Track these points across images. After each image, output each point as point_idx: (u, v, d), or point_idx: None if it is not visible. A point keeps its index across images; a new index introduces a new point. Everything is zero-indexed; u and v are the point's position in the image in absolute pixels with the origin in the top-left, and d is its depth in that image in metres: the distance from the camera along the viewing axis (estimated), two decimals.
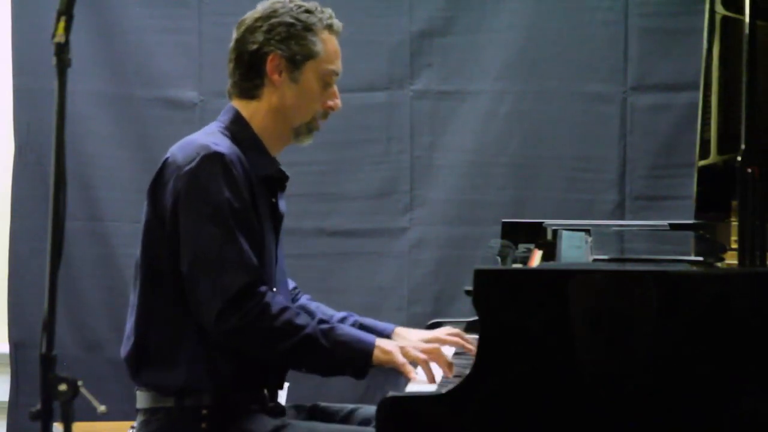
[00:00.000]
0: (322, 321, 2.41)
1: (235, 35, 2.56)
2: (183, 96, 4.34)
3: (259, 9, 2.55)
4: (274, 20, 2.51)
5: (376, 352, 2.39)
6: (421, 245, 4.29)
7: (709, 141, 2.85)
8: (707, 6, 2.82)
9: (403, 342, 2.49)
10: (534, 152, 4.24)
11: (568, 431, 2.11)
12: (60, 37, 1.77)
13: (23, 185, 4.33)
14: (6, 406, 4.33)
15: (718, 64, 2.80)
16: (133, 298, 2.49)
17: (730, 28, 2.76)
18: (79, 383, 1.76)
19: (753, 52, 2.16)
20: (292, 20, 2.50)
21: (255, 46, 2.51)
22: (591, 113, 4.22)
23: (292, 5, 2.53)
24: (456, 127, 4.28)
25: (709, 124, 2.84)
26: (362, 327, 2.63)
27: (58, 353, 1.77)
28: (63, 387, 1.75)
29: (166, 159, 2.46)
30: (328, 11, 2.56)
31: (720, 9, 2.78)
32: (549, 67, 4.23)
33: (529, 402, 2.10)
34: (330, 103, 2.56)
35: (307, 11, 2.53)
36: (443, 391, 2.16)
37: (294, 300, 2.78)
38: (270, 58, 2.50)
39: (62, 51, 1.77)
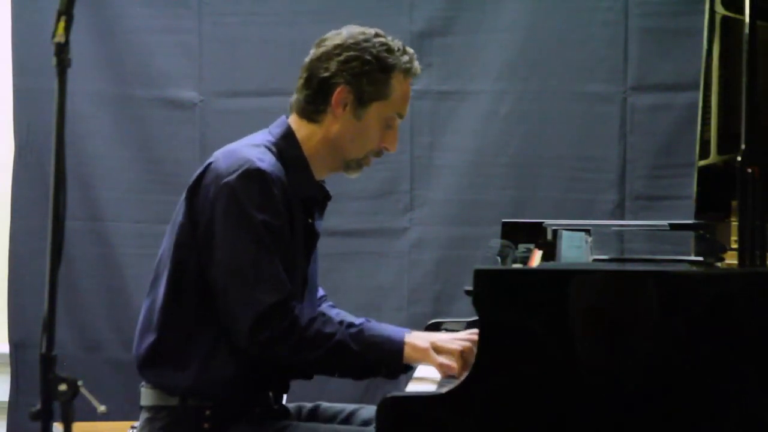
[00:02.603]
0: (350, 325, 2.39)
1: (312, 52, 2.51)
2: (183, 96, 4.34)
3: (344, 34, 2.49)
4: (352, 53, 2.45)
5: (407, 350, 2.38)
6: (421, 245, 4.29)
7: (709, 141, 2.85)
8: (707, 6, 2.81)
9: (435, 336, 2.45)
10: (534, 152, 4.24)
11: (569, 431, 2.11)
12: (60, 37, 1.77)
13: (23, 185, 4.33)
14: (6, 406, 4.34)
15: (718, 64, 2.79)
16: (150, 297, 2.48)
17: (730, 28, 2.76)
18: (79, 383, 1.76)
19: (753, 52, 2.16)
20: (370, 58, 2.45)
21: (326, 74, 2.46)
22: (591, 113, 4.22)
23: (375, 41, 2.47)
24: (456, 127, 4.28)
25: (709, 124, 2.84)
26: None
27: (58, 353, 1.77)
28: (63, 387, 1.75)
29: (209, 164, 2.43)
30: (410, 53, 2.51)
31: (720, 9, 2.77)
32: (549, 67, 4.23)
33: (529, 402, 2.10)
34: (386, 144, 2.54)
35: (389, 50, 2.47)
36: (443, 391, 2.15)
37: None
38: (338, 90, 2.46)
39: (62, 51, 1.77)
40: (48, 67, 1.85)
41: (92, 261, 4.32)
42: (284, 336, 2.32)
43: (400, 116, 2.54)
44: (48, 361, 1.76)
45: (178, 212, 2.46)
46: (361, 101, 2.47)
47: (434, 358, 2.38)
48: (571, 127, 4.24)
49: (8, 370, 4.34)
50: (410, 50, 2.52)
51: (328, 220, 4.29)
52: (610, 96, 4.21)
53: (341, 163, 2.55)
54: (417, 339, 2.40)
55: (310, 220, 2.53)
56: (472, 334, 2.46)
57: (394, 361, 2.38)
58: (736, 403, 2.09)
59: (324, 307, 2.79)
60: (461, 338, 2.44)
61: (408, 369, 2.45)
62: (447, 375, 2.39)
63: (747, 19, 2.17)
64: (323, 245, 4.26)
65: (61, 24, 1.77)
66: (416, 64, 2.52)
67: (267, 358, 2.37)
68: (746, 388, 2.09)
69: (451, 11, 4.27)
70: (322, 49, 2.49)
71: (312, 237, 2.55)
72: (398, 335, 2.40)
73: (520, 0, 4.22)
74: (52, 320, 1.76)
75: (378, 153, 2.56)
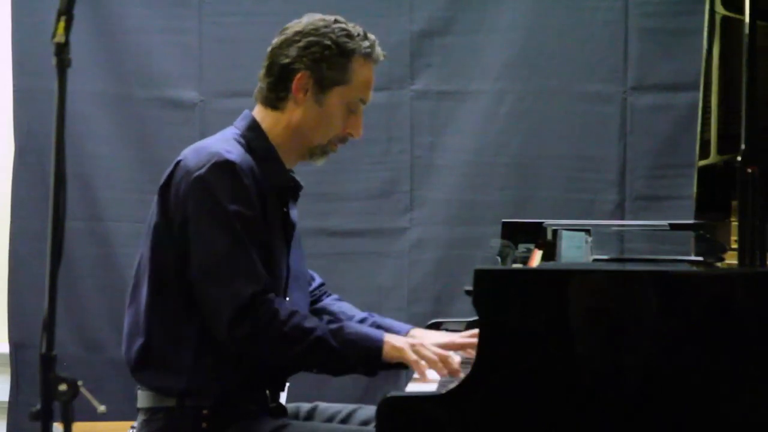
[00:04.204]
0: (331, 321, 2.39)
1: (273, 41, 2.53)
2: (183, 96, 4.34)
3: (303, 21, 2.52)
4: (312, 38, 2.47)
5: (386, 349, 2.37)
6: (421, 245, 4.29)
7: (709, 141, 2.85)
8: (707, 6, 2.81)
9: (414, 340, 2.46)
10: (534, 152, 4.24)
11: (568, 431, 2.11)
12: (60, 37, 1.77)
13: (23, 186, 4.33)
14: (6, 406, 4.34)
15: (718, 64, 2.79)
16: (133, 305, 2.48)
17: (730, 28, 2.76)
18: (79, 383, 1.76)
19: (753, 52, 2.16)
20: (329, 43, 2.47)
21: (287, 60, 2.48)
22: (591, 113, 4.22)
23: (335, 27, 2.49)
24: (456, 127, 4.28)
25: (709, 124, 2.84)
26: (380, 328, 2.58)
27: (58, 353, 1.77)
28: (63, 387, 1.75)
29: (179, 161, 2.44)
30: (371, 39, 2.52)
31: (720, 9, 2.77)
32: (549, 67, 4.23)
33: (529, 402, 2.10)
34: (350, 130, 2.54)
35: (348, 36, 2.48)
36: (443, 391, 2.15)
37: (317, 300, 2.78)
38: (298, 76, 2.47)
39: (62, 51, 1.77)
40: (48, 67, 1.85)
41: (92, 261, 4.32)
42: (264, 330, 2.32)
43: (363, 102, 2.54)
44: (48, 361, 1.76)
45: (152, 214, 2.46)
46: (321, 86, 2.48)
47: (409, 356, 2.37)
48: (571, 127, 4.24)
49: (8, 370, 4.34)
50: (371, 36, 2.53)
51: (328, 220, 4.34)
52: (610, 96, 4.21)
53: (306, 150, 2.55)
54: (395, 339, 2.41)
55: (285, 209, 2.53)
56: (463, 337, 2.49)
57: (372, 360, 2.38)
58: (736, 403, 2.09)
59: (328, 300, 2.79)
60: (445, 343, 2.46)
61: (400, 367, 2.44)
62: (421, 373, 2.39)
63: (747, 19, 2.17)
64: (323, 245, 4.32)
65: (61, 24, 1.77)
66: (378, 50, 2.53)
67: (247, 353, 2.37)
68: (746, 388, 2.09)
69: (451, 11, 4.27)
70: (283, 37, 2.51)
71: (288, 226, 2.54)
72: (377, 334, 2.40)
73: (520, 0, 4.22)
74: (52, 320, 1.76)
75: (343, 139, 2.56)
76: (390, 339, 2.40)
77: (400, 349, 2.38)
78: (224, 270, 2.35)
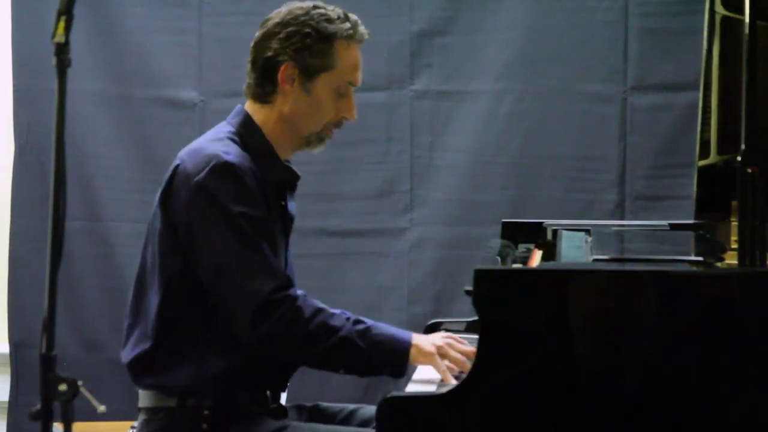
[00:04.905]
0: (357, 321, 2.38)
1: (256, 34, 2.52)
2: (183, 96, 4.34)
3: (283, 11, 2.50)
4: (291, 28, 2.45)
5: (413, 353, 2.36)
6: (421, 245, 4.29)
7: (709, 141, 2.85)
8: (707, 6, 2.82)
9: (437, 340, 2.43)
10: (534, 152, 4.25)
11: (568, 431, 2.11)
12: (60, 37, 1.77)
13: (23, 185, 4.34)
14: (6, 406, 4.34)
15: (718, 64, 2.80)
16: (141, 307, 2.46)
17: (730, 28, 2.76)
18: (79, 383, 1.76)
19: (753, 52, 2.16)
20: (309, 30, 2.45)
21: (270, 53, 2.47)
22: (591, 113, 4.22)
23: (314, 12, 2.47)
24: (456, 127, 4.28)
25: (709, 124, 2.84)
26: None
27: (58, 353, 1.77)
28: (63, 387, 1.75)
29: (177, 166, 2.42)
30: (353, 19, 2.50)
31: (720, 9, 2.78)
32: (549, 67, 4.23)
33: (529, 402, 2.10)
34: (344, 114, 2.52)
35: (328, 20, 2.46)
36: (443, 391, 2.15)
37: None
38: (283, 67, 2.46)
39: (62, 51, 1.77)
40: (48, 67, 1.85)
41: (92, 261, 4.33)
42: (287, 329, 2.30)
43: (353, 84, 2.52)
44: (48, 361, 1.76)
45: (154, 219, 2.44)
46: (307, 75, 2.47)
47: (439, 364, 2.37)
48: (571, 127, 4.24)
49: (8, 370, 4.35)
50: (353, 17, 2.51)
51: (328, 220, 4.34)
52: (610, 96, 4.21)
53: (301, 139, 2.53)
54: (423, 342, 2.39)
55: (282, 203, 2.52)
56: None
57: (400, 362, 2.36)
58: (736, 403, 2.09)
59: None
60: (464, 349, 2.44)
61: None
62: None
63: (747, 19, 2.17)
64: (323, 245, 4.32)
65: (61, 24, 1.77)
66: (361, 29, 2.51)
67: (271, 352, 2.36)
68: (746, 388, 2.09)
69: (451, 11, 4.27)
70: (264, 30, 2.50)
71: (287, 219, 2.54)
72: (405, 336, 2.39)
73: (520, 0, 4.22)
74: (52, 320, 1.76)
75: (338, 124, 2.54)
76: (418, 342, 2.37)
77: (428, 355, 2.36)
78: (238, 271, 2.33)
